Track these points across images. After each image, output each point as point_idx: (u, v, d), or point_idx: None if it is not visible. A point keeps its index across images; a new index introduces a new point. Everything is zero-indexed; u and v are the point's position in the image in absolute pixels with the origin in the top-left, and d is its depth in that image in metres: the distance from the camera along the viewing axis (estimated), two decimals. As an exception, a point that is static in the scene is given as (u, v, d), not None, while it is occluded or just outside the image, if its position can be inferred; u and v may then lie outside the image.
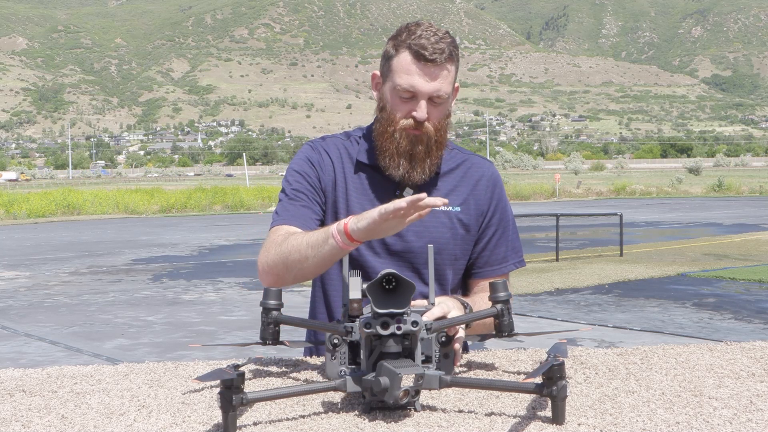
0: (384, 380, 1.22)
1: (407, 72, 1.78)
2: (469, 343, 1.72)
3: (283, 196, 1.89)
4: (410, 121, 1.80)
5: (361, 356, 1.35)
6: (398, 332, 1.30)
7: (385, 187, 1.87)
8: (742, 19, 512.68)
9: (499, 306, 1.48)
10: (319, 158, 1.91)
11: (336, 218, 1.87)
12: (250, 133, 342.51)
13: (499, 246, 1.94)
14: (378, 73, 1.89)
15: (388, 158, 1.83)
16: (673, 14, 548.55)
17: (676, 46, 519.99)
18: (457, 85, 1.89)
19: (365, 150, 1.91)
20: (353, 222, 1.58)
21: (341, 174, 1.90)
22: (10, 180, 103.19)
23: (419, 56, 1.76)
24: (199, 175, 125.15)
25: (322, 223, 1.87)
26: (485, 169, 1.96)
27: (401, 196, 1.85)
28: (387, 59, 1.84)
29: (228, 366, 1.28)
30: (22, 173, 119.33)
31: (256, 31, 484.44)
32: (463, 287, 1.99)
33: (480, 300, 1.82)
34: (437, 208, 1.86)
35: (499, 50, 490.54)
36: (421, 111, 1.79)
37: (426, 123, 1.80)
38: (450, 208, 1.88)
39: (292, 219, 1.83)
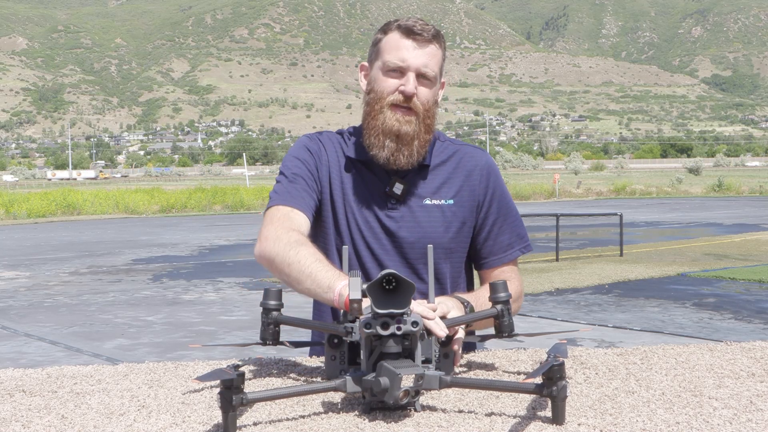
0: (384, 380, 1.22)
1: (396, 47, 1.82)
2: (476, 341, 1.72)
3: (282, 178, 1.87)
4: (399, 96, 1.80)
5: (362, 356, 1.35)
6: (398, 332, 1.30)
7: (376, 184, 1.87)
8: (742, 19, 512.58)
9: (499, 306, 1.47)
10: (318, 149, 1.91)
11: (334, 214, 1.87)
12: (250, 133, 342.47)
13: (502, 234, 1.93)
14: (366, 63, 1.92)
15: (373, 137, 1.82)
16: (673, 14, 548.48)
17: (676, 46, 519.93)
18: (443, 80, 1.90)
19: (354, 146, 1.91)
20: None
21: (336, 168, 1.90)
22: (89, 178, 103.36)
23: (408, 31, 1.81)
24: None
25: (318, 214, 1.88)
26: (478, 159, 1.94)
27: (391, 191, 1.85)
28: (375, 44, 1.88)
29: (228, 366, 1.27)
30: (101, 172, 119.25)
31: (256, 31, 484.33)
32: (469, 278, 2.00)
33: (487, 292, 1.81)
34: (429, 203, 1.86)
35: (499, 50, 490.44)
36: (410, 84, 1.79)
37: (415, 99, 1.80)
38: (442, 201, 1.88)
39: (292, 200, 1.81)
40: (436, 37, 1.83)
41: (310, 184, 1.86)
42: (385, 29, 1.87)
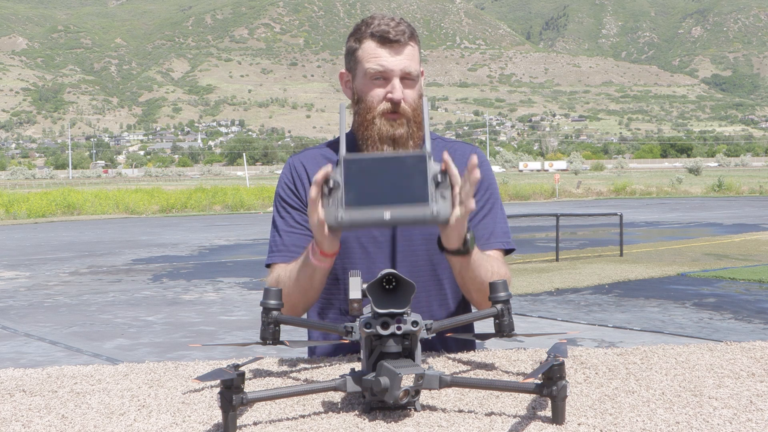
0: (384, 380, 1.22)
1: (375, 56, 1.83)
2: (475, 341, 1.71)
3: (274, 231, 1.93)
4: (387, 105, 1.83)
5: (361, 356, 1.35)
6: (398, 332, 1.30)
7: None
8: (742, 19, 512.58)
9: (499, 306, 1.47)
10: (295, 175, 1.94)
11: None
12: (250, 133, 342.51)
13: (485, 221, 1.90)
14: (345, 71, 1.93)
15: (371, 146, 1.85)
16: (673, 14, 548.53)
17: (676, 46, 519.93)
18: (422, 69, 1.92)
19: (346, 147, 1.91)
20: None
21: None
22: (563, 170, 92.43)
23: (383, 40, 1.83)
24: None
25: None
26: (467, 150, 1.95)
27: None
28: (352, 53, 1.88)
29: (228, 366, 1.27)
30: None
31: (256, 31, 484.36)
32: None
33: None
34: None
35: (499, 50, 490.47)
36: (397, 90, 1.82)
37: (403, 104, 1.83)
38: None
39: (276, 257, 1.88)
40: (412, 37, 1.86)
41: (301, 223, 1.89)
42: (358, 38, 1.87)
